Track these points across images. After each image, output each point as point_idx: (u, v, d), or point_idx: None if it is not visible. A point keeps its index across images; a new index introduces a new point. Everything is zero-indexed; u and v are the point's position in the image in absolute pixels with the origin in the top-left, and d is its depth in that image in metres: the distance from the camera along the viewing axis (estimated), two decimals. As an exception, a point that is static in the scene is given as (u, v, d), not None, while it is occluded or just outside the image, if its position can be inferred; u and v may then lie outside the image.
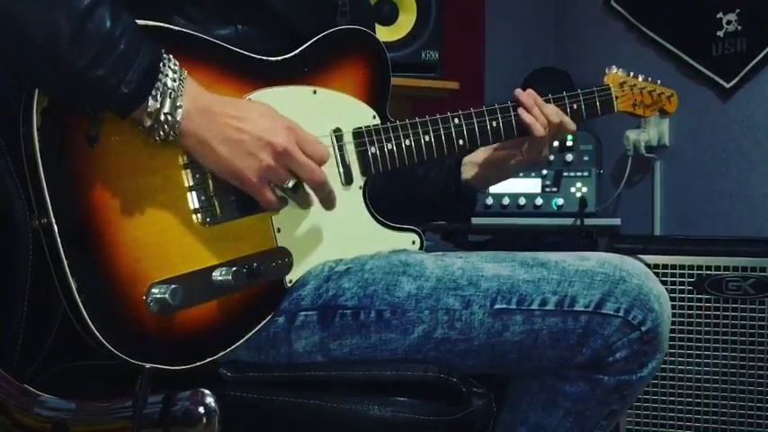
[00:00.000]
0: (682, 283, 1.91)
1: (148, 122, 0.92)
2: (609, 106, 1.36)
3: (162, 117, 0.92)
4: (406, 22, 2.30)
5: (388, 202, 1.18)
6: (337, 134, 1.11)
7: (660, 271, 1.90)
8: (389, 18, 2.30)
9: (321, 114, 1.09)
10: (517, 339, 1.00)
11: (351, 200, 1.12)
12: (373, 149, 1.13)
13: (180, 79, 0.93)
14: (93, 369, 1.04)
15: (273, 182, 0.99)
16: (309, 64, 1.11)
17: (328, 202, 1.05)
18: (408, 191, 1.35)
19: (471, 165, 1.34)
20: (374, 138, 1.13)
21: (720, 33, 2.36)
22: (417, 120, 1.16)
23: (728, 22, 2.34)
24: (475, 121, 1.21)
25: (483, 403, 1.02)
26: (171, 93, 0.92)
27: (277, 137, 0.97)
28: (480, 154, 1.33)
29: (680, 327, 1.90)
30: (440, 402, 1.01)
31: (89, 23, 0.87)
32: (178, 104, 0.92)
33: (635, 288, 1.00)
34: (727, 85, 2.36)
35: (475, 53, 2.96)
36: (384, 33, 2.25)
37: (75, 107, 0.91)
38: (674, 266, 1.92)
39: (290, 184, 0.99)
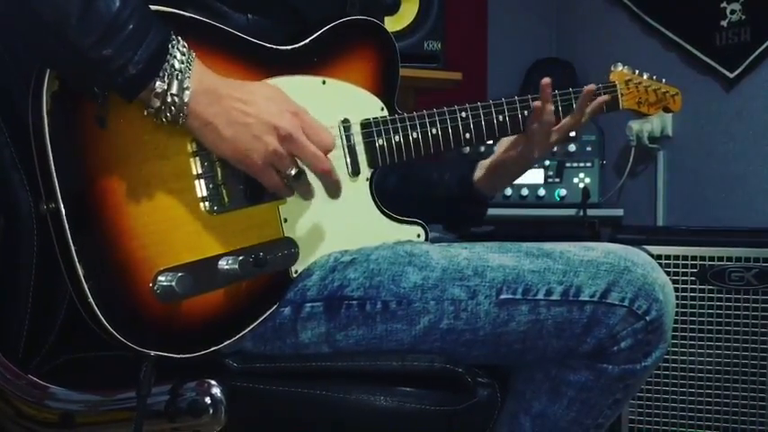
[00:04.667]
0: (685, 274, 1.91)
1: (156, 103, 0.91)
2: (614, 103, 1.36)
3: (169, 98, 0.91)
4: (408, 12, 2.29)
5: (402, 204, 1.18)
6: (345, 125, 1.11)
7: (663, 262, 1.90)
8: (392, 8, 2.29)
9: (330, 105, 1.09)
10: (522, 329, 1.01)
11: (357, 191, 1.12)
12: (381, 141, 1.13)
13: (188, 61, 0.93)
14: (97, 360, 1.05)
15: (277, 167, 0.99)
16: (319, 54, 1.10)
17: (334, 190, 1.05)
18: (423, 193, 1.36)
19: (481, 168, 1.35)
20: (382, 129, 1.13)
21: (724, 23, 2.36)
22: (425, 112, 1.16)
23: (732, 12, 2.33)
24: (482, 114, 1.21)
25: (488, 393, 1.03)
26: (178, 74, 0.91)
27: (282, 121, 0.97)
28: (491, 158, 1.34)
29: (683, 317, 1.90)
30: (445, 393, 1.01)
31: (98, 2, 0.87)
32: (185, 86, 0.92)
33: (640, 278, 1.00)
34: (731, 75, 2.36)
35: (478, 44, 2.95)
36: (386, 24, 2.23)
37: (85, 90, 0.90)
38: (676, 257, 1.92)
39: (293, 172, 0.99)
